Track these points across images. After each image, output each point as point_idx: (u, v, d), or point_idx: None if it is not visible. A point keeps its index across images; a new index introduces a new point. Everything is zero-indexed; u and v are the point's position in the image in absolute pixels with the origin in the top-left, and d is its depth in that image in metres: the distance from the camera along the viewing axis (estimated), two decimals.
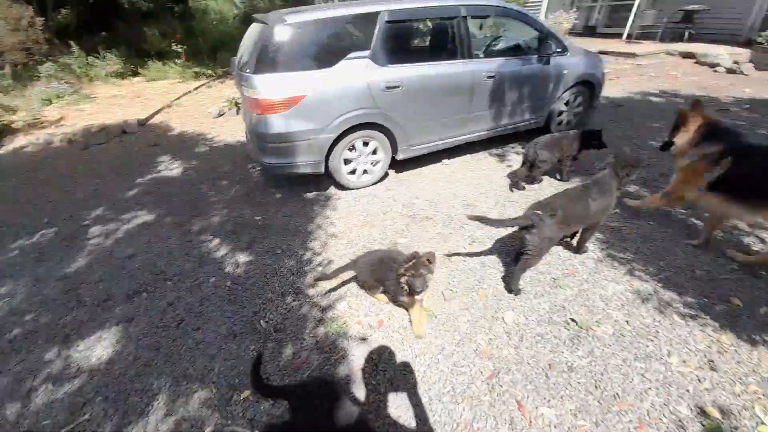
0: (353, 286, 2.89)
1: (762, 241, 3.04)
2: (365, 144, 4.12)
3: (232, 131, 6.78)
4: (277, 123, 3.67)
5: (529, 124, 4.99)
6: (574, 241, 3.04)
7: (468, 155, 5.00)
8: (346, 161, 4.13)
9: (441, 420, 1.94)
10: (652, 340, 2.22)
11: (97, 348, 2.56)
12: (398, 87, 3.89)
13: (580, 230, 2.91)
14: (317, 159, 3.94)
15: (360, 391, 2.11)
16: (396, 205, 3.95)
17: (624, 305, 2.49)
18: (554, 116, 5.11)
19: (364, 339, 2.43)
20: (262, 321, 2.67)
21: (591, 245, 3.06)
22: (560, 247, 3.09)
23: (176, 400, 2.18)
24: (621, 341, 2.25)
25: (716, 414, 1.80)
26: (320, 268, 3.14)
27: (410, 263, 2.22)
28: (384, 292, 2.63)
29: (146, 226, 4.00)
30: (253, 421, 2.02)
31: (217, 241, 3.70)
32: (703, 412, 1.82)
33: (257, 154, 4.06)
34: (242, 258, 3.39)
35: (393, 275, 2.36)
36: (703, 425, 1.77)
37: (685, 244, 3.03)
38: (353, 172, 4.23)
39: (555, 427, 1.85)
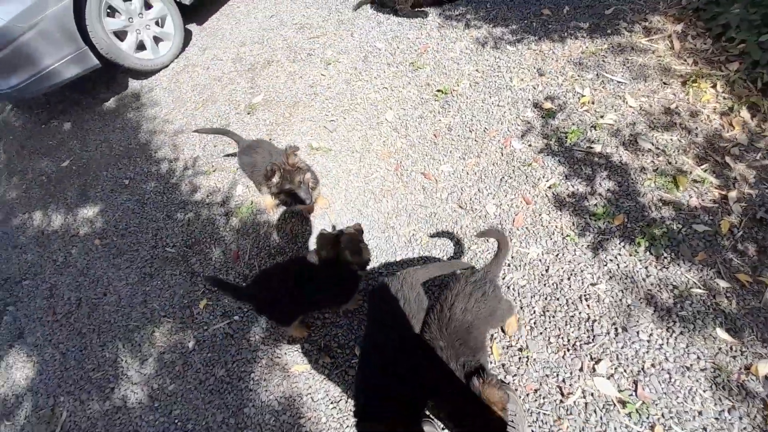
0: (237, 171, 2.60)
1: None
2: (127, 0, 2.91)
3: None
4: None
5: None
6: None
7: None
8: (119, 35, 2.97)
9: (376, 219, 2.21)
10: (497, 75, 2.60)
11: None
12: None
13: None
14: (73, 49, 2.73)
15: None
16: (224, 64, 3.24)
17: (471, 57, 2.75)
18: None
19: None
20: (167, 248, 2.39)
21: (431, 13, 3.07)
22: (405, 28, 3.04)
23: (140, 347, 2.13)
24: (476, 88, 2.59)
25: (549, 105, 2.38)
26: (189, 171, 2.69)
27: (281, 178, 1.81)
28: None
29: None
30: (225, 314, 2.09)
31: (39, 214, 2.79)
32: (540, 108, 2.38)
33: None
34: (88, 212, 2.70)
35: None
36: (542, 117, 2.35)
37: None
38: (142, 46, 3.13)
39: (453, 174, 2.27)
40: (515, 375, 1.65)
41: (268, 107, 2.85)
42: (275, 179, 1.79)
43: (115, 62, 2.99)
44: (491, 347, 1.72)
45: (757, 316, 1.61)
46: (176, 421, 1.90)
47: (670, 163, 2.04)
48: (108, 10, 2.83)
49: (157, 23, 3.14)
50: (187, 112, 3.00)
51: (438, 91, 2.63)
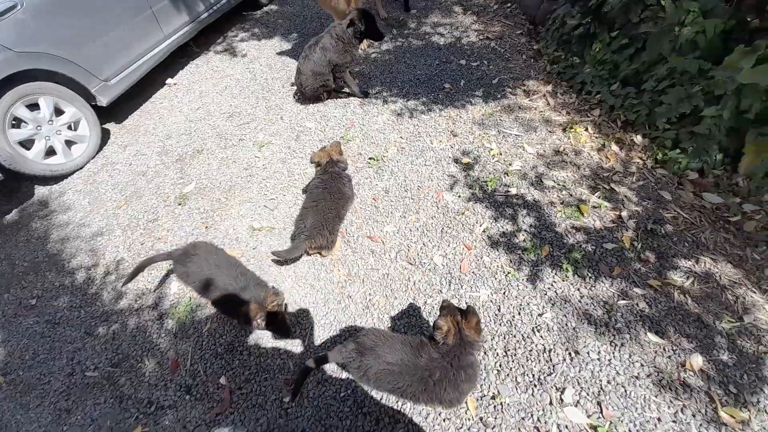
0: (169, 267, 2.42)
1: None
2: (34, 107, 2.80)
3: None
4: None
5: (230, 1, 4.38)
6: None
7: (191, 64, 4.20)
8: (25, 144, 2.79)
9: (330, 290, 2.17)
10: (419, 140, 2.92)
11: None
12: (15, 6, 2.54)
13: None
14: None
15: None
16: (149, 158, 3.16)
17: (393, 126, 3.07)
18: None
19: None
20: (87, 373, 2.03)
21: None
22: (331, 108, 3.32)
23: None
24: (403, 152, 2.86)
25: (466, 159, 2.71)
26: (111, 276, 2.43)
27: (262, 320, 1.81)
28: None
29: None
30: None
31: None
32: (460, 162, 2.70)
33: None
34: None
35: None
36: (463, 170, 2.65)
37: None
38: (52, 151, 2.95)
39: (397, 233, 2.38)
40: (494, 427, 1.62)
41: (201, 194, 2.79)
42: (259, 321, 1.80)
43: (20, 172, 2.75)
44: (466, 401, 1.70)
45: (675, 314, 1.86)
46: None
47: (571, 195, 2.41)
48: (12, 122, 2.66)
49: (69, 127, 3.02)
50: (107, 212, 2.79)
51: (370, 158, 2.84)
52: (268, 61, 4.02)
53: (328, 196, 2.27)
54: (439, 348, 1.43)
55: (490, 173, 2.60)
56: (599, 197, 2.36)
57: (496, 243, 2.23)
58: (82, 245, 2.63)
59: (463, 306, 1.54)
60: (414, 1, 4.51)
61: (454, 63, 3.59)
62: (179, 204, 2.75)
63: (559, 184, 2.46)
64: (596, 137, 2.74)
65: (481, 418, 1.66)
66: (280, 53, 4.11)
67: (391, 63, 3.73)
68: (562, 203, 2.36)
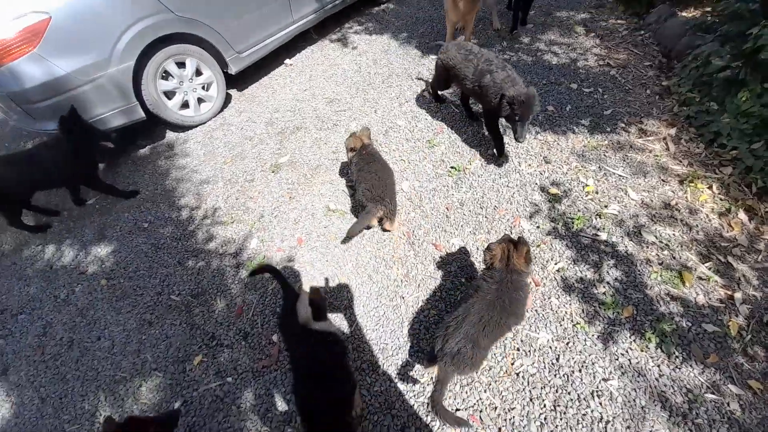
0: (254, 224, 2.70)
1: None
2: (181, 65, 3.31)
3: None
4: (31, 71, 2.60)
5: None
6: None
7: (308, 48, 4.56)
8: (168, 94, 3.32)
9: (385, 286, 2.23)
10: (507, 159, 2.81)
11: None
12: None
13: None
14: (124, 103, 3.05)
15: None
16: (257, 126, 3.54)
17: (482, 142, 3.00)
18: None
19: (291, 260, 2.43)
20: (172, 296, 2.38)
21: (446, 99, 3.42)
22: (423, 111, 3.36)
23: (123, 402, 2.02)
24: (487, 168, 2.78)
25: (555, 190, 2.53)
26: (207, 220, 2.79)
27: None
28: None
29: None
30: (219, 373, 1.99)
31: (52, 248, 2.84)
32: (547, 192, 2.54)
33: (29, 123, 2.90)
34: (101, 251, 2.74)
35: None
36: (549, 201, 2.48)
37: None
38: (186, 105, 3.47)
39: (462, 248, 2.34)
40: None
41: (292, 167, 3.05)
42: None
43: (159, 117, 3.29)
44: None
45: None
46: None
47: (674, 257, 2.11)
48: (163, 74, 3.20)
49: (203, 87, 3.52)
50: (216, 165, 3.20)
51: (452, 167, 2.82)
52: (375, 56, 4.19)
53: (380, 168, 2.37)
54: (492, 277, 1.61)
55: (579, 211, 2.40)
56: (710, 269, 2.03)
57: (569, 287, 2.06)
58: (191, 188, 3.06)
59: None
60: (533, 17, 4.31)
61: (563, 86, 3.36)
62: (273, 171, 3.04)
63: (662, 242, 2.17)
64: (721, 199, 2.35)
65: None
66: (386, 51, 4.25)
67: None
68: (660, 264, 2.08)
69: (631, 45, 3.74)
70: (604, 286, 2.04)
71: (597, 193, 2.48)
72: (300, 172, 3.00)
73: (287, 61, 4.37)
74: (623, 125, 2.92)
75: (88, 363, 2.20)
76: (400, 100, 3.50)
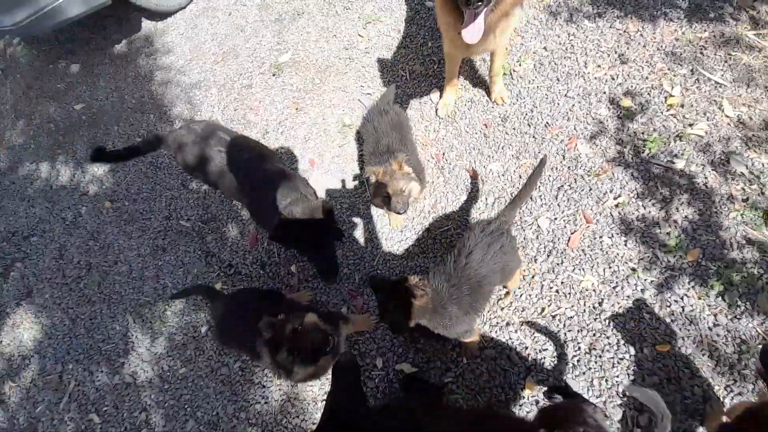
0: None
1: None
2: None
3: None
4: None
5: None
6: None
7: None
8: None
9: (408, 214, 1.98)
10: (569, 57, 2.19)
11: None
12: None
13: None
14: None
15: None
16: (249, 11, 2.82)
17: (539, 30, 2.31)
18: None
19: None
20: (181, 221, 2.23)
21: None
22: None
23: (151, 324, 2.07)
24: (542, 71, 2.20)
25: (628, 102, 2.00)
26: None
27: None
28: None
29: None
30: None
31: (46, 166, 2.63)
32: (617, 105, 2.02)
33: None
34: (98, 170, 2.52)
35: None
36: (618, 117, 1.99)
37: None
38: None
39: (503, 176, 1.99)
40: None
41: (296, 69, 2.51)
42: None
43: (131, 1, 2.62)
44: (525, 384, 1.58)
45: None
46: (186, 406, 1.86)
47: (763, 193, 1.73)
48: None
49: None
50: (205, 66, 2.67)
51: None
52: None
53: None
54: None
55: (654, 131, 1.92)
56: None
57: (627, 225, 1.77)
58: (181, 95, 2.62)
59: None
60: None
61: None
62: (273, 74, 2.52)
63: (752, 174, 1.76)
64: None
65: (537, 402, 1.56)
66: None
67: None
68: (745, 201, 1.72)
69: None
70: (669, 226, 1.73)
71: (682, 106, 1.95)
72: (306, 75, 2.47)
73: None
74: (732, 11, 2.15)
75: (110, 287, 2.20)
76: None
